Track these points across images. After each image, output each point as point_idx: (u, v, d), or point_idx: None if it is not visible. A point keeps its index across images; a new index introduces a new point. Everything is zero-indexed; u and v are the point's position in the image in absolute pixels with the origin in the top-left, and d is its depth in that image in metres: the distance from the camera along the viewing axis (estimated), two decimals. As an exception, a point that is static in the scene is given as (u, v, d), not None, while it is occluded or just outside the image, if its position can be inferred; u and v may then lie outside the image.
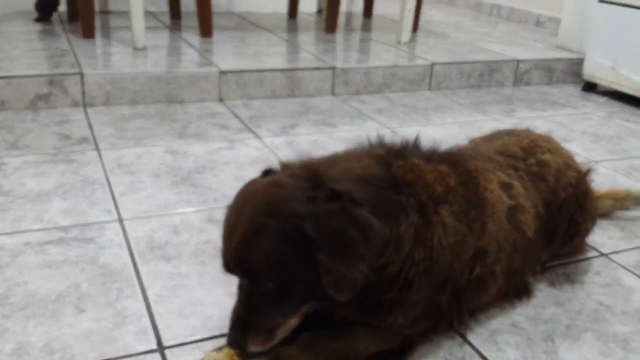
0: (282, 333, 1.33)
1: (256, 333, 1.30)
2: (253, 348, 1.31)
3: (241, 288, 1.33)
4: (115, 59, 3.41)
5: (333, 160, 1.45)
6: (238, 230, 1.28)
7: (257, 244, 1.26)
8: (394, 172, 1.43)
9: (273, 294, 1.28)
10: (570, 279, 1.90)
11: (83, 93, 3.10)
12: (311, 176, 1.33)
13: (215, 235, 1.96)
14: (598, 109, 3.87)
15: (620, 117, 3.69)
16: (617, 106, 3.94)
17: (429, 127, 3.22)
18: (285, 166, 1.45)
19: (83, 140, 2.70)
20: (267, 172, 1.44)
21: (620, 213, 2.33)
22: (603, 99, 4.09)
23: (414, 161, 1.48)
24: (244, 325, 1.30)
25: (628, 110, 3.87)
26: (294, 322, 1.33)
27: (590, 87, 4.23)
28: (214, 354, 1.39)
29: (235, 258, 1.29)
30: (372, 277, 1.34)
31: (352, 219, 1.26)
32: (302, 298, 1.31)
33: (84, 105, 3.12)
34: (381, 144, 1.57)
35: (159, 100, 3.27)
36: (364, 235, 1.27)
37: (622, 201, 2.28)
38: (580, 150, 3.03)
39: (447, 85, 4.02)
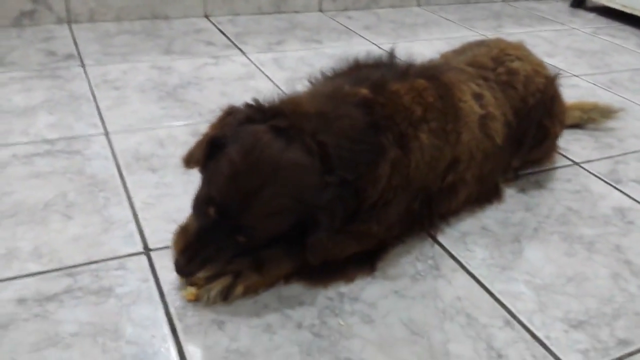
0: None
1: (213, 265, 1.38)
2: (201, 275, 1.39)
3: (215, 229, 1.33)
4: (98, -26, 3.35)
5: (325, 118, 1.42)
6: (260, 201, 1.30)
7: (276, 220, 1.33)
8: (376, 112, 1.46)
9: (252, 247, 1.38)
10: (541, 186, 1.96)
11: (67, 9, 3.08)
12: (325, 155, 1.35)
13: (199, 148, 2.00)
14: (585, 24, 3.85)
15: (606, 33, 3.69)
16: (604, 22, 3.92)
17: (416, 43, 3.22)
18: (292, 125, 1.37)
19: (68, 56, 2.70)
20: (276, 129, 1.36)
21: (595, 123, 2.38)
22: (591, 15, 4.07)
23: (392, 89, 1.52)
24: (204, 261, 1.35)
25: (614, 26, 3.86)
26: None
27: (579, 3, 4.20)
28: None
29: (248, 223, 1.32)
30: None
31: (343, 201, 1.38)
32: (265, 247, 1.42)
33: (69, 22, 3.10)
34: (360, 68, 1.61)
35: (144, 17, 3.24)
36: (344, 211, 1.39)
37: (589, 112, 2.33)
38: (563, 64, 3.05)
39: (436, 1, 3.98)
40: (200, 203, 1.37)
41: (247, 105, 1.45)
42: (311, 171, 1.34)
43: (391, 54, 1.66)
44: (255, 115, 1.41)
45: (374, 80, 1.55)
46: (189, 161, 1.49)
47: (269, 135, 1.34)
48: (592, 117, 2.34)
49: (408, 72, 1.60)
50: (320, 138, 1.36)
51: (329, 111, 1.44)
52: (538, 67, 1.92)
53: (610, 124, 2.39)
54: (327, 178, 1.34)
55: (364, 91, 1.50)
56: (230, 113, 1.46)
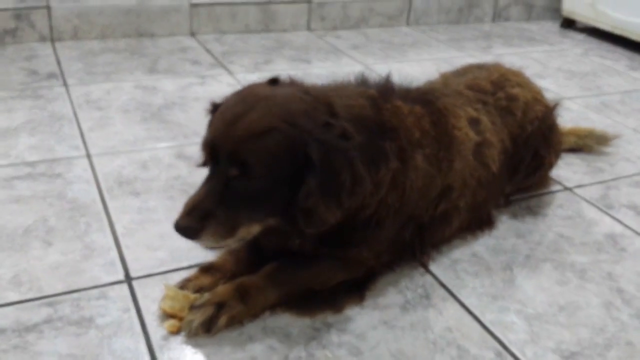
0: (241, 235, 1.31)
1: (217, 225, 1.27)
2: (206, 239, 1.28)
3: (213, 178, 1.30)
4: (83, -9, 3.33)
5: (337, 92, 1.44)
6: (244, 123, 1.27)
7: (263, 142, 1.25)
8: (383, 115, 1.44)
9: (252, 192, 1.27)
10: (533, 212, 1.94)
11: (50, 27, 3.05)
12: (327, 103, 1.33)
13: (184, 171, 1.97)
14: (575, 45, 3.87)
15: (596, 54, 3.70)
16: (594, 43, 3.94)
17: (405, 63, 3.21)
18: (293, 82, 1.43)
19: (51, 75, 2.66)
20: (275, 81, 1.42)
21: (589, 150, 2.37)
22: (581, 36, 4.09)
23: (396, 104, 1.50)
24: (205, 213, 1.27)
25: (604, 47, 3.87)
26: (256, 228, 1.33)
27: (569, 24, 4.22)
28: (175, 288, 1.41)
29: (234, 147, 1.26)
30: (347, 218, 1.37)
31: (351, 165, 1.28)
32: (274, 209, 1.31)
33: (52, 40, 3.07)
34: (365, 82, 1.57)
35: (129, 35, 3.22)
36: (352, 187, 1.29)
37: (585, 139, 2.32)
38: (554, 86, 3.04)
39: (425, 21, 3.99)
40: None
41: None
42: (307, 102, 1.30)
43: (388, 77, 1.63)
44: None
45: (380, 88, 1.54)
46: None
47: (264, 84, 1.38)
48: (587, 144, 2.32)
49: (407, 96, 1.57)
50: (329, 100, 1.35)
51: (339, 91, 1.44)
52: (537, 95, 1.91)
53: (602, 147, 2.38)
54: (328, 119, 1.28)
55: (373, 91, 1.49)
56: None
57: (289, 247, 1.43)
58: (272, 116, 1.26)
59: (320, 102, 1.33)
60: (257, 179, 1.27)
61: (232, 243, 1.34)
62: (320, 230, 1.32)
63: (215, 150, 1.29)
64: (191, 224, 1.26)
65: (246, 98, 1.33)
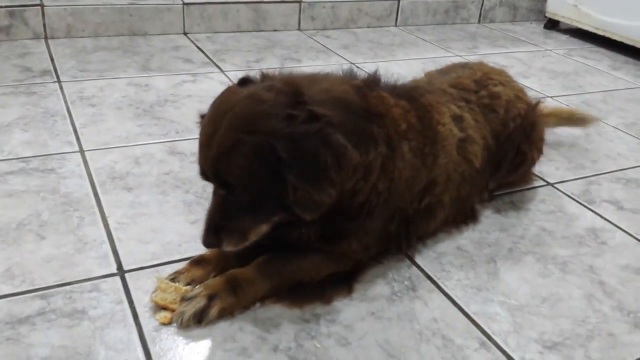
0: (254, 236, 1.39)
1: (230, 235, 1.37)
2: (227, 247, 1.40)
3: (216, 194, 1.39)
4: (76, -10, 3.35)
5: (314, 79, 1.47)
6: (214, 143, 1.32)
7: (232, 159, 1.30)
8: (369, 101, 1.47)
9: (246, 203, 1.34)
10: (516, 206, 1.99)
11: (44, 25, 3.06)
12: (292, 92, 1.34)
13: (176, 167, 2.00)
14: (558, 46, 3.92)
15: (578, 55, 3.76)
16: (577, 43, 4.00)
17: (393, 63, 3.25)
18: (265, 77, 1.45)
19: (44, 72, 2.68)
20: (245, 81, 1.45)
21: (569, 145, 2.43)
22: (564, 37, 4.15)
23: (382, 94, 1.53)
24: (218, 228, 1.37)
25: (587, 47, 3.94)
26: (264, 228, 1.39)
27: (553, 25, 4.28)
28: (166, 281, 1.44)
29: (212, 170, 1.34)
30: (341, 205, 1.40)
31: (327, 143, 1.29)
32: (273, 209, 1.36)
33: (46, 38, 3.09)
34: (352, 75, 1.60)
35: (122, 33, 3.24)
36: (337, 161, 1.31)
37: (566, 121, 2.36)
38: (537, 86, 3.09)
39: (413, 22, 4.03)
40: None
41: None
42: (266, 101, 1.31)
43: (376, 73, 1.66)
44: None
45: (366, 80, 1.57)
46: None
47: (234, 88, 1.41)
48: (569, 124, 2.37)
49: (393, 91, 1.60)
50: (296, 82, 1.38)
51: (317, 78, 1.48)
52: (519, 93, 1.95)
53: (583, 144, 2.43)
54: (291, 111, 1.30)
55: (357, 81, 1.53)
56: None
57: (295, 237, 1.47)
58: (235, 130, 1.30)
59: (284, 93, 1.34)
60: (242, 193, 1.34)
61: (251, 242, 1.41)
62: (319, 213, 1.34)
63: (204, 173, 1.39)
64: (211, 240, 1.39)
65: (217, 111, 1.37)
